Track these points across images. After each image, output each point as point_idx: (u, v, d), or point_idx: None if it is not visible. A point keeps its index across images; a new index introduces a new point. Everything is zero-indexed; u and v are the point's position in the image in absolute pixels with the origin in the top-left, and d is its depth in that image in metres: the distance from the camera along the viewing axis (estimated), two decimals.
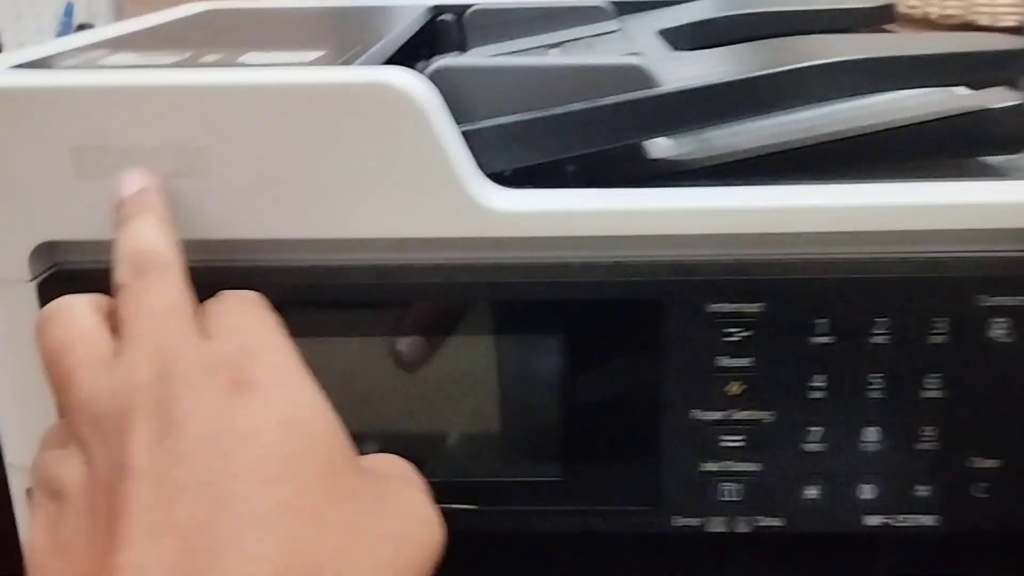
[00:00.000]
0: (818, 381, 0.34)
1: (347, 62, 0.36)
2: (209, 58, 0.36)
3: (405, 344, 0.35)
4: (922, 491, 0.35)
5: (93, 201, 0.33)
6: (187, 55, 0.37)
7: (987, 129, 0.38)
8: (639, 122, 0.34)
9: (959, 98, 0.42)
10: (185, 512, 0.25)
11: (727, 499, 0.36)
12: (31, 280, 0.34)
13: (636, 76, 0.34)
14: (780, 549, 0.37)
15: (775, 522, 0.36)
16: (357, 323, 0.35)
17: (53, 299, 0.34)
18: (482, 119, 0.35)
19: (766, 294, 0.34)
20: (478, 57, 0.49)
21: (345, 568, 0.26)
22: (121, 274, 0.30)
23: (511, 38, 0.55)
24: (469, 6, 0.56)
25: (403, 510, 0.29)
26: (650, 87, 0.34)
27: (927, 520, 0.36)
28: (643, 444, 0.35)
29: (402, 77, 0.32)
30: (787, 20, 0.52)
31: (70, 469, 0.27)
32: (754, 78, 0.34)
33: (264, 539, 0.25)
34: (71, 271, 0.35)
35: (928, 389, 0.34)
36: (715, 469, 0.35)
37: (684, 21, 0.52)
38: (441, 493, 0.32)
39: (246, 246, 0.34)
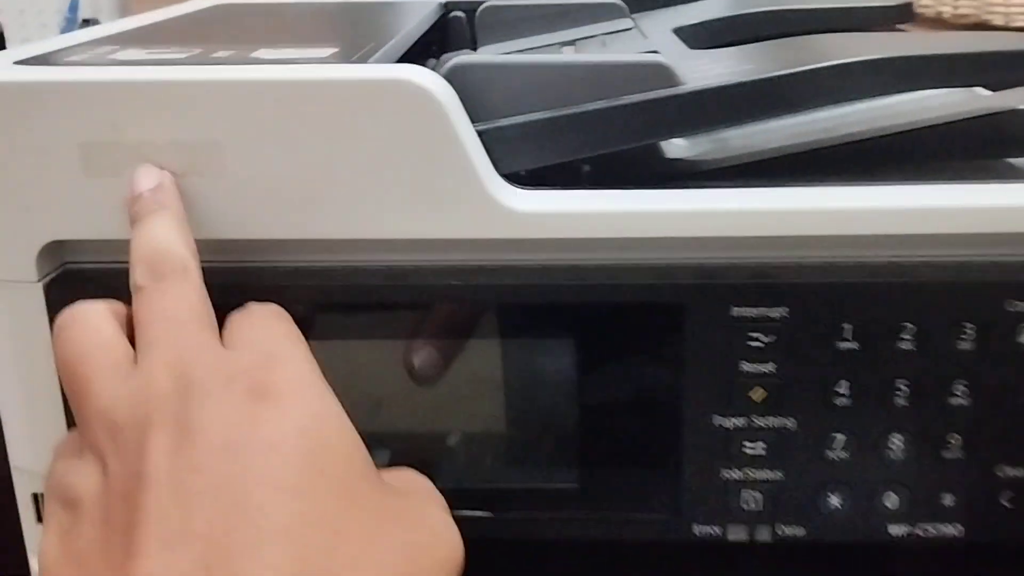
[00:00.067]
0: (842, 388, 0.34)
1: (362, 59, 0.35)
2: (221, 54, 0.35)
3: (419, 357, 0.34)
4: (947, 500, 0.35)
5: (102, 199, 0.32)
6: (198, 51, 0.36)
7: (1013, 130, 0.37)
8: (663, 121, 0.33)
9: (983, 99, 0.41)
10: (202, 521, 0.24)
11: (748, 507, 0.35)
12: (38, 281, 0.33)
13: (661, 74, 0.33)
14: (802, 559, 0.36)
15: (797, 531, 0.35)
16: (373, 326, 0.35)
17: (61, 300, 0.33)
18: (498, 117, 0.34)
19: (790, 298, 0.33)
20: (496, 54, 0.48)
21: None
22: (138, 276, 0.29)
23: (522, 35, 0.54)
24: (480, 3, 0.55)
25: (422, 525, 0.28)
26: (674, 86, 0.33)
27: (952, 530, 0.35)
28: (663, 451, 0.35)
29: (422, 74, 0.31)
30: (803, 18, 0.52)
31: (85, 478, 0.27)
32: (782, 76, 0.33)
33: (282, 549, 0.24)
34: (79, 271, 0.34)
35: (955, 396, 0.34)
36: (736, 477, 0.35)
37: (699, 19, 0.51)
38: (456, 500, 0.32)
39: (259, 246, 0.33)
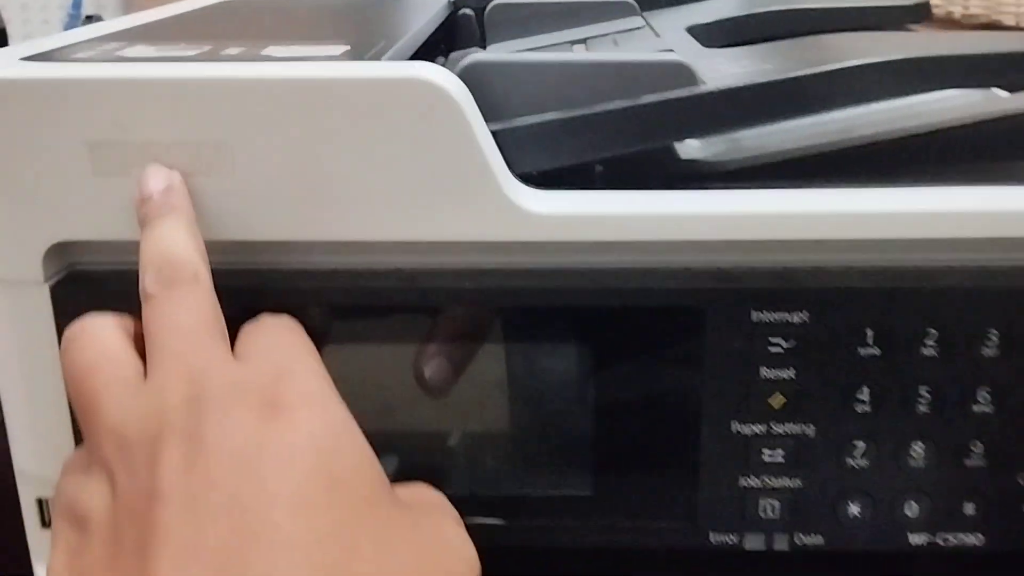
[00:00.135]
0: (863, 394, 0.33)
1: (375, 57, 0.34)
2: (231, 51, 0.34)
3: (430, 368, 0.33)
4: (969, 509, 0.34)
5: (110, 199, 0.32)
6: (207, 48, 0.35)
7: None
8: (684, 122, 0.32)
9: (1001, 101, 0.41)
10: (216, 537, 0.24)
11: (766, 515, 0.34)
12: (45, 282, 0.33)
13: (681, 74, 0.32)
14: (820, 568, 0.35)
15: (815, 540, 0.35)
16: (384, 329, 0.34)
17: (67, 302, 0.33)
18: (512, 117, 0.34)
19: (811, 303, 0.32)
20: (508, 52, 0.47)
21: None
22: (148, 284, 0.28)
23: (532, 33, 0.53)
24: (489, 0, 0.55)
25: (438, 541, 0.28)
26: (693, 86, 0.33)
27: (973, 539, 0.34)
28: (680, 457, 0.34)
29: (438, 73, 0.31)
30: (816, 17, 0.51)
31: (94, 496, 0.26)
32: (806, 77, 0.33)
33: (297, 566, 0.24)
34: (86, 273, 0.33)
35: (978, 403, 0.33)
36: (754, 484, 0.34)
37: (713, 18, 0.51)
38: (468, 507, 0.31)
39: (269, 248, 0.33)
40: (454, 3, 0.59)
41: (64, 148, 0.31)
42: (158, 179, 0.30)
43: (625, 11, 0.53)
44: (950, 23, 1.09)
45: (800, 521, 0.34)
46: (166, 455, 0.25)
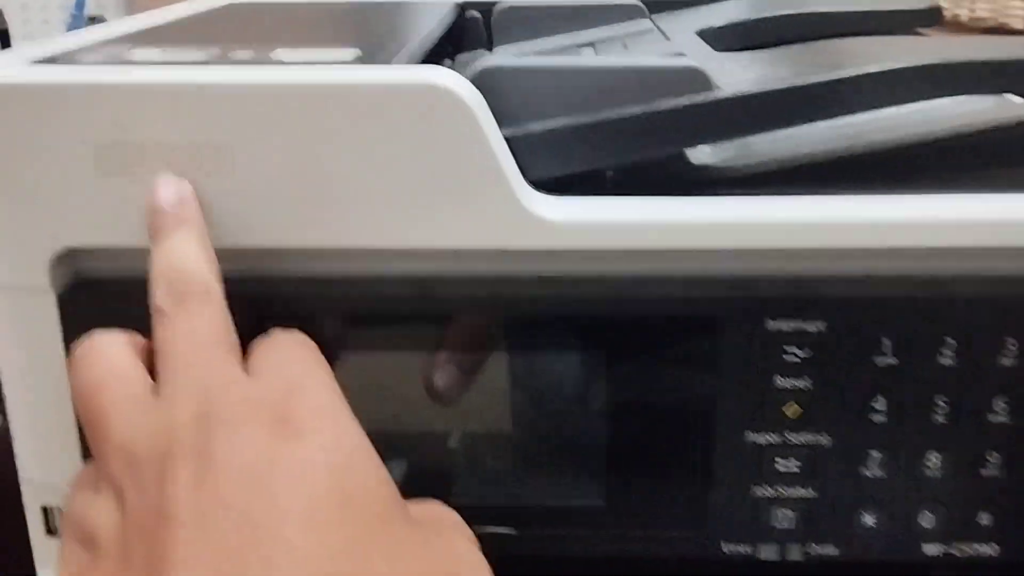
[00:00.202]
0: (879, 404, 0.33)
1: (385, 61, 0.34)
2: (240, 54, 0.34)
3: (440, 378, 0.33)
4: (984, 519, 0.34)
5: (119, 205, 0.31)
6: (216, 51, 0.35)
7: None
8: (700, 128, 0.32)
9: (1015, 107, 0.41)
10: (227, 556, 0.23)
11: (780, 526, 0.34)
12: (51, 288, 0.32)
13: (697, 79, 0.32)
14: None
15: (829, 550, 0.34)
16: (395, 338, 0.34)
17: (74, 308, 0.32)
18: (525, 122, 0.33)
19: (827, 312, 0.32)
20: (521, 56, 0.47)
21: None
22: (159, 298, 0.28)
23: (539, 36, 0.53)
24: (496, 3, 0.54)
25: (451, 559, 0.27)
26: (709, 91, 0.32)
27: (988, 550, 0.34)
28: (693, 467, 0.34)
29: (451, 78, 0.30)
30: (828, 21, 0.51)
31: (102, 514, 0.26)
32: (825, 82, 0.32)
33: None
34: (94, 279, 0.33)
35: (994, 413, 0.33)
36: (768, 494, 0.34)
37: (722, 21, 0.50)
38: (479, 516, 0.31)
39: (280, 255, 0.32)
40: (460, 5, 0.59)
41: (74, 152, 0.31)
42: (169, 190, 0.30)
43: (633, 13, 0.53)
44: (956, 26, 1.09)
45: (814, 531, 0.34)
46: (176, 472, 0.25)
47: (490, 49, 0.54)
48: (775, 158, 0.38)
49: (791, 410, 0.33)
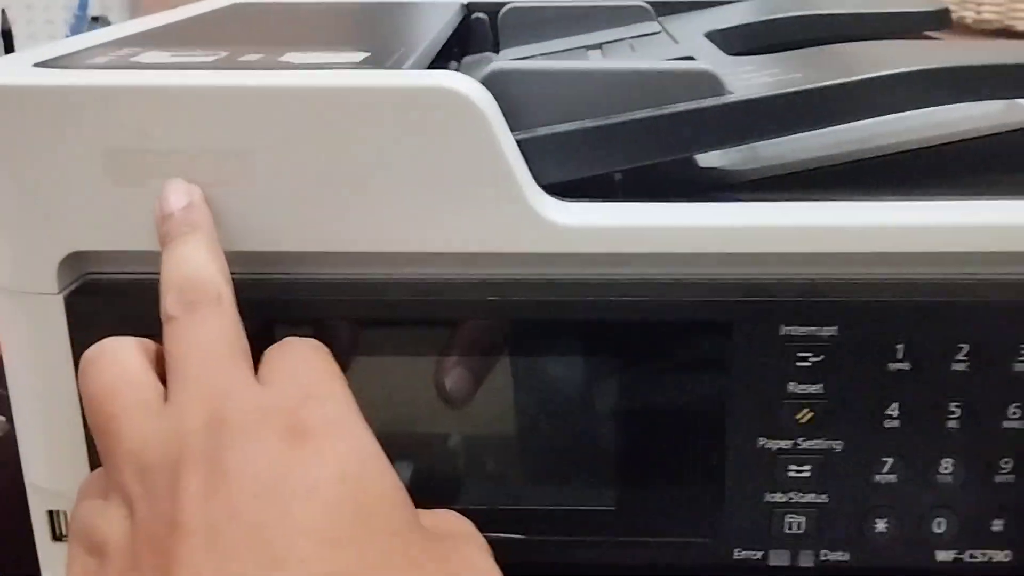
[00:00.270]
0: (892, 409, 0.32)
1: (395, 64, 0.34)
2: (249, 57, 0.34)
3: (451, 379, 0.33)
4: (997, 526, 0.34)
5: (127, 209, 0.31)
6: (224, 54, 0.34)
7: None
8: (712, 131, 0.32)
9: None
10: (239, 569, 0.23)
11: (791, 531, 0.34)
12: (59, 292, 0.32)
13: (708, 83, 0.32)
14: None
15: (841, 556, 0.34)
16: (407, 342, 0.33)
17: (81, 312, 0.32)
18: (535, 126, 0.33)
19: (841, 317, 0.32)
20: (529, 59, 0.47)
21: None
22: (170, 305, 0.28)
23: (546, 38, 0.52)
24: (502, 4, 0.54)
25: (465, 570, 0.27)
26: (721, 94, 0.32)
27: (1001, 556, 0.34)
28: (705, 472, 0.33)
29: (462, 81, 0.30)
30: (837, 24, 0.50)
31: (112, 522, 0.25)
32: (838, 86, 0.32)
33: None
34: (101, 282, 0.32)
35: (1009, 419, 0.33)
36: (780, 500, 0.33)
37: (731, 24, 0.50)
38: (488, 521, 0.30)
39: (290, 259, 0.32)
40: (467, 6, 0.58)
41: (81, 156, 0.31)
42: (179, 196, 0.30)
43: (640, 16, 0.52)
44: (962, 28, 1.09)
45: (826, 537, 0.34)
46: (186, 481, 0.24)
47: (496, 51, 0.53)
48: (784, 162, 0.38)
49: (804, 416, 0.33)
